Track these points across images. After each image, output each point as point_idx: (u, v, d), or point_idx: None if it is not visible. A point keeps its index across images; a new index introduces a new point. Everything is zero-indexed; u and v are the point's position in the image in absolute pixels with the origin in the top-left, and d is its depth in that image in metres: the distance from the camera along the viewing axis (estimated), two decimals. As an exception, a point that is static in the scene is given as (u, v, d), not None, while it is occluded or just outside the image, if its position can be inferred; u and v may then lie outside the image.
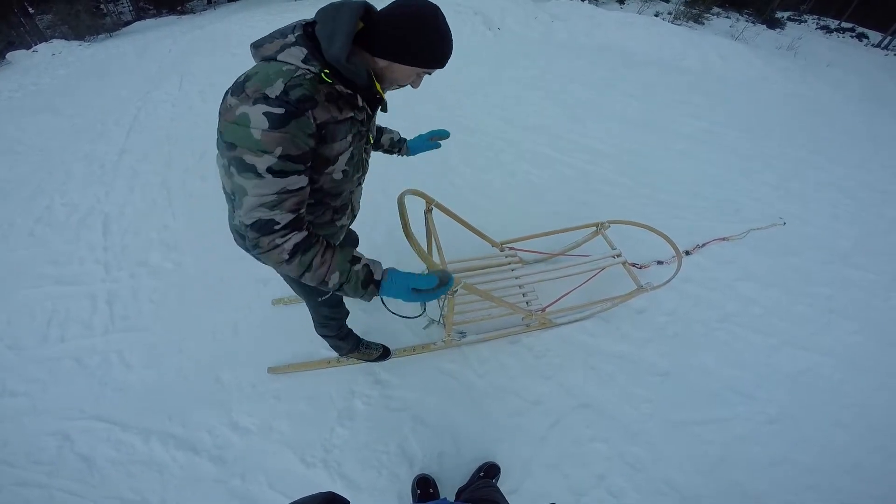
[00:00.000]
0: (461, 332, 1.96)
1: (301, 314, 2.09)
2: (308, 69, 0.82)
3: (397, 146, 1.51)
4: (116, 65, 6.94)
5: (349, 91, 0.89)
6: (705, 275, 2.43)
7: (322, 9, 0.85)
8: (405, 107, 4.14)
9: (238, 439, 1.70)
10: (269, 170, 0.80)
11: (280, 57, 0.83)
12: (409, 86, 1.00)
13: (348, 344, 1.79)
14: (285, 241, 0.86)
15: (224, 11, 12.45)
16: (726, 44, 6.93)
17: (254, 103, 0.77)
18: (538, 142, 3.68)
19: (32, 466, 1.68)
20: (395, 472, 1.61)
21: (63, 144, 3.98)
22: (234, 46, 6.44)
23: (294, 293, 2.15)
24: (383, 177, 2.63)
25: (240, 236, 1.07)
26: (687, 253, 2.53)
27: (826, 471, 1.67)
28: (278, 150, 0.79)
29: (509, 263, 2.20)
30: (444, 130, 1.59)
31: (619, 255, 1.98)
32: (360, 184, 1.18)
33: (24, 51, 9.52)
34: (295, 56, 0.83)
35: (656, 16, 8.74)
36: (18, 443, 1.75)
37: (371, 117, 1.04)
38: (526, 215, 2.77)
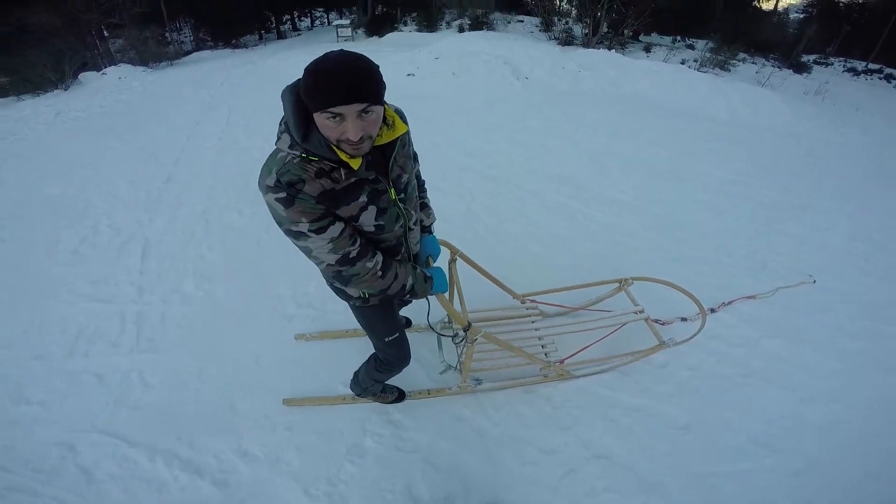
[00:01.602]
0: (477, 379, 1.96)
1: (321, 350, 2.17)
2: (294, 154, 0.95)
3: (425, 231, 1.55)
4: (173, 93, 7.54)
5: (333, 164, 0.97)
6: (731, 331, 2.37)
7: (281, 95, 0.95)
8: (433, 152, 4.30)
9: (244, 466, 1.70)
10: (311, 230, 0.98)
11: (278, 144, 0.98)
12: (348, 138, 0.94)
13: (377, 388, 1.81)
14: (375, 265, 1.11)
15: (273, 48, 13.46)
16: (753, 90, 6.96)
17: (266, 193, 0.95)
18: (563, 192, 3.74)
19: (29, 473, 1.70)
20: (400, 514, 1.57)
21: (117, 167, 4.30)
22: (280, 83, 6.91)
23: (320, 332, 2.27)
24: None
25: (334, 289, 1.35)
26: (712, 310, 2.48)
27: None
28: (304, 218, 0.97)
29: (529, 316, 2.22)
30: (437, 252, 1.56)
31: (641, 311, 1.96)
32: (409, 229, 1.24)
33: (94, 72, 10.47)
34: (284, 143, 0.96)
35: (682, 63, 8.89)
36: (22, 449, 1.79)
37: (388, 174, 1.09)
38: (548, 267, 2.78)
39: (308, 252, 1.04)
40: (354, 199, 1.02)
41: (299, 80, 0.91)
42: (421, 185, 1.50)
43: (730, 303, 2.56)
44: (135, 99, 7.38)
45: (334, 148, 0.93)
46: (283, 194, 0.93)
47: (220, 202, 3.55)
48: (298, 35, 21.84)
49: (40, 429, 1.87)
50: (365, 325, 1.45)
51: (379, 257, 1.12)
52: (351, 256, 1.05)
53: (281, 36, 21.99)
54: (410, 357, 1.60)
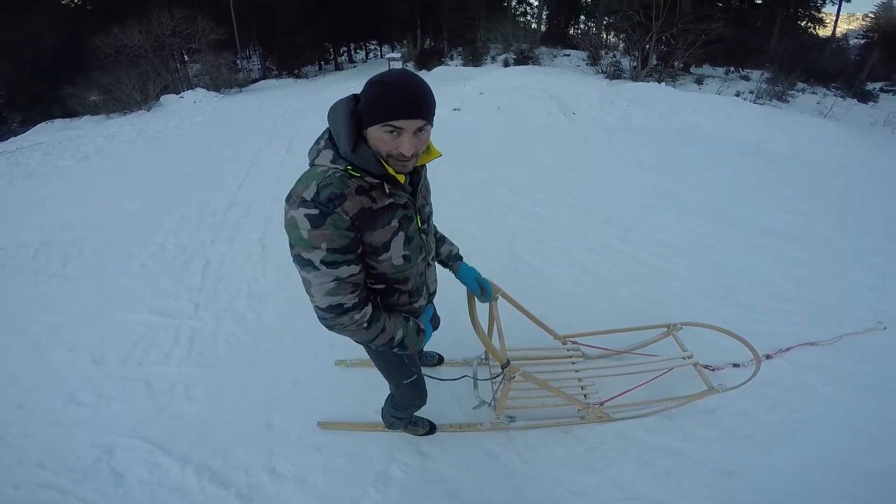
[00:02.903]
0: (511, 417, 1.92)
1: (360, 377, 2.20)
2: (336, 168, 0.95)
3: (453, 260, 1.53)
4: (241, 119, 8.18)
5: (377, 181, 0.97)
6: (787, 378, 2.21)
7: (329, 110, 0.99)
8: (477, 189, 4.36)
9: (271, 483, 1.73)
10: (322, 262, 0.95)
11: (316, 161, 0.98)
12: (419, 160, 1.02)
13: (402, 424, 1.83)
14: (363, 317, 1.05)
15: (331, 79, 14.42)
16: (814, 122, 6.57)
17: (297, 207, 0.91)
18: (609, 234, 3.64)
19: (63, 472, 1.79)
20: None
21: (187, 188, 4.69)
22: (337, 113, 7.36)
23: (359, 359, 2.29)
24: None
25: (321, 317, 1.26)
26: (767, 356, 2.31)
27: None
28: (324, 245, 0.93)
29: (570, 357, 2.16)
30: (489, 289, 1.56)
31: (690, 357, 1.88)
32: (428, 265, 1.26)
33: (174, 95, 11.62)
34: (326, 158, 0.96)
35: (737, 95, 8.58)
36: (62, 448, 1.89)
37: (414, 200, 1.10)
38: (592, 311, 2.69)
39: (307, 285, 1.00)
40: (388, 223, 1.01)
41: (352, 95, 0.97)
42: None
43: (787, 349, 2.39)
44: (207, 123, 8.07)
45: (382, 162, 0.94)
46: (315, 211, 0.90)
47: (277, 228, 3.73)
48: (354, 66, 23.24)
49: (83, 430, 1.98)
50: (380, 366, 1.42)
51: (368, 309, 1.06)
52: (345, 307, 1.02)
53: (338, 67, 23.51)
54: (426, 398, 1.60)
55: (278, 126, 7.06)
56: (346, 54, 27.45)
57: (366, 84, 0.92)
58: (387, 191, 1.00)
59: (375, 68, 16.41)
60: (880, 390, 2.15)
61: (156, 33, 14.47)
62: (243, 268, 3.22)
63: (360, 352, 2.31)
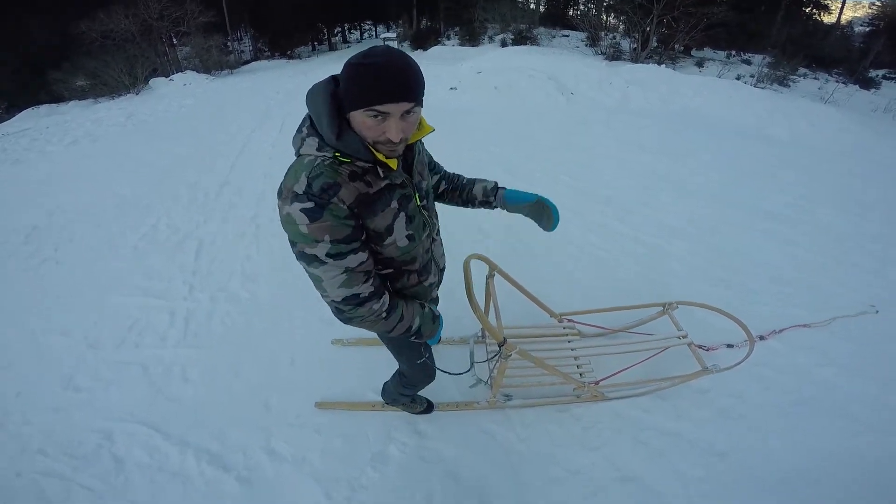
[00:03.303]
0: (507, 395, 1.93)
1: (357, 356, 2.20)
2: (324, 155, 0.88)
3: (492, 195, 1.39)
4: (232, 101, 8.03)
5: (369, 164, 0.92)
6: (781, 360, 2.23)
7: (307, 96, 0.91)
8: (475, 168, 4.29)
9: (269, 464, 1.74)
10: (328, 255, 0.90)
11: (301, 150, 0.91)
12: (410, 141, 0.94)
13: (405, 400, 1.82)
14: (381, 307, 1.02)
15: (325, 59, 14.13)
16: (815, 108, 6.55)
17: (291, 202, 0.86)
18: (607, 214, 3.63)
19: (64, 458, 1.78)
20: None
21: (178, 170, 4.62)
22: (331, 93, 7.24)
23: (356, 338, 2.29)
24: (450, 239, 2.71)
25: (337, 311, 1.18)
26: (761, 338, 2.34)
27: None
28: (327, 237, 0.88)
29: (566, 335, 2.17)
30: (553, 208, 1.35)
31: (685, 336, 1.89)
32: (434, 239, 1.22)
33: (163, 78, 11.37)
34: (311, 146, 0.89)
35: (738, 79, 8.49)
36: (62, 434, 1.88)
37: (410, 177, 1.05)
38: (589, 289, 2.69)
39: (318, 282, 0.95)
40: (387, 206, 0.96)
41: (330, 77, 0.88)
42: (453, 176, 1.42)
43: (781, 331, 2.41)
44: (197, 105, 7.91)
45: (370, 148, 0.89)
46: (310, 204, 0.85)
47: (270, 207, 3.71)
48: (348, 47, 22.76)
49: (82, 415, 1.97)
50: (394, 349, 1.40)
51: (386, 298, 1.03)
52: (361, 297, 0.97)
53: (332, 47, 23.03)
54: (435, 375, 1.60)
55: (270, 107, 6.94)
56: (339, 34, 26.84)
57: (345, 65, 0.83)
58: (381, 174, 0.94)
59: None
60: (872, 374, 2.17)
61: (143, 17, 14.11)
62: (237, 247, 3.19)
63: (356, 331, 2.32)
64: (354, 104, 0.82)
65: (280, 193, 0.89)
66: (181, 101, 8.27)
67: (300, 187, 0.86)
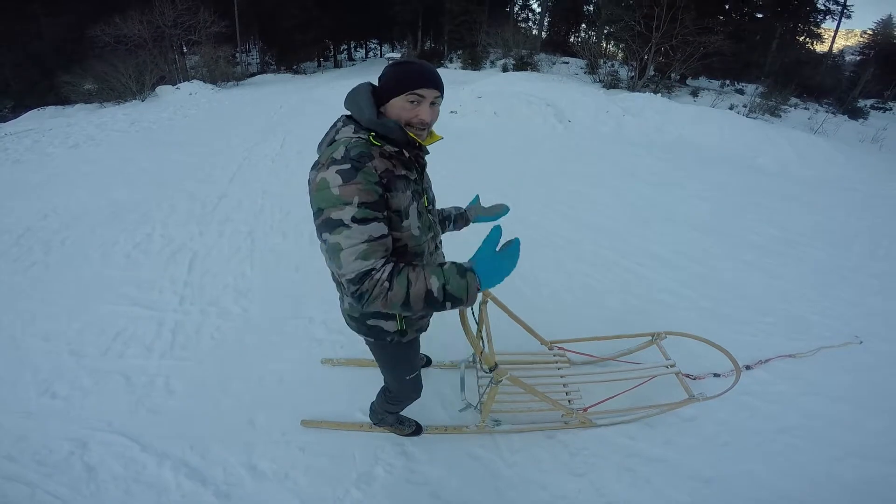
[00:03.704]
0: (497, 420, 1.92)
1: (346, 376, 2.19)
2: (360, 137, 1.05)
3: (463, 217, 1.65)
4: (236, 113, 8.12)
5: (396, 149, 1.08)
6: (766, 388, 2.26)
7: (347, 96, 1.12)
8: (471, 194, 4.35)
9: (250, 480, 1.71)
10: (354, 219, 0.95)
11: (338, 137, 1.08)
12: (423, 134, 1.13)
13: (392, 419, 1.83)
14: (382, 273, 0.97)
15: (330, 76, 14.36)
16: (804, 138, 6.71)
17: (327, 168, 0.98)
18: (599, 243, 3.67)
19: (32, 465, 1.73)
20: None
21: (177, 179, 4.63)
22: (334, 112, 7.32)
23: (347, 358, 2.29)
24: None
25: (351, 319, 1.32)
26: (747, 367, 2.36)
27: None
28: (356, 199, 0.95)
29: (556, 362, 2.20)
30: (503, 206, 1.69)
31: (672, 366, 1.92)
32: (437, 247, 1.32)
33: (170, 86, 11.49)
34: (347, 131, 1.07)
35: (731, 108, 8.70)
36: (34, 441, 1.83)
37: (421, 178, 1.21)
38: (579, 317, 2.72)
39: (335, 253, 0.96)
40: (405, 191, 1.08)
41: (367, 83, 1.12)
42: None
43: (767, 361, 2.44)
44: (201, 115, 7.99)
45: (403, 128, 1.07)
46: (347, 165, 0.97)
47: (267, 223, 3.72)
48: (353, 65, 23.18)
49: (56, 422, 1.93)
50: (387, 362, 1.43)
51: (388, 266, 0.98)
52: (372, 273, 0.96)
53: (337, 64, 23.45)
54: (421, 391, 1.61)
55: (273, 122, 7.02)
56: (345, 52, 27.41)
57: (386, 67, 1.09)
58: (405, 157, 1.10)
59: (374, 67, 16.41)
60: (855, 402, 2.20)
61: (157, 23, 14.32)
62: (231, 262, 3.19)
63: (346, 350, 2.32)
64: (397, 90, 1.05)
65: (316, 165, 1.03)
66: (186, 110, 8.36)
67: (339, 154, 0.99)
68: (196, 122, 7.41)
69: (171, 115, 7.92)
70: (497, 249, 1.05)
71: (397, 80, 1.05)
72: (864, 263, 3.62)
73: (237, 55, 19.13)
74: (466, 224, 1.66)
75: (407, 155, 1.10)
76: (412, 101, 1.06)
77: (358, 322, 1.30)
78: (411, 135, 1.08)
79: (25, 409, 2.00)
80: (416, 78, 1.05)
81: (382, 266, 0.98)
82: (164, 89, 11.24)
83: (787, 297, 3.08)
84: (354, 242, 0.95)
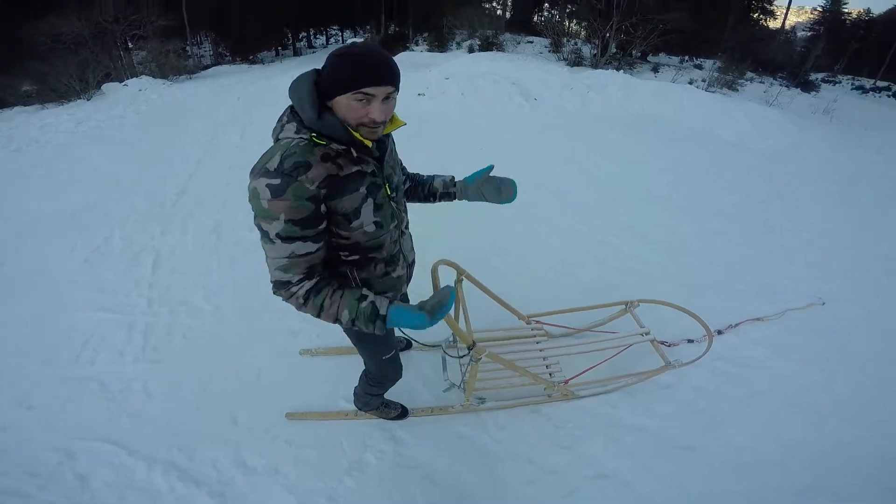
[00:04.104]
0: (481, 398, 1.96)
1: (325, 366, 2.17)
2: (301, 137, 0.96)
3: (452, 186, 1.46)
4: (191, 107, 7.74)
5: (343, 147, 0.98)
6: (737, 353, 2.36)
7: (290, 84, 0.99)
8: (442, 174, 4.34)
9: (242, 478, 1.70)
10: (278, 235, 0.95)
11: (280, 136, 0.99)
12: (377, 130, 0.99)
13: (377, 403, 1.82)
14: (299, 289, 1.03)
15: (289, 65, 13.84)
16: (761, 111, 6.97)
17: (258, 176, 0.92)
18: (569, 216, 3.74)
19: (25, 477, 1.70)
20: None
21: (133, 179, 4.40)
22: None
23: (325, 347, 2.26)
24: (417, 243, 2.72)
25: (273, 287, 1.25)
26: (719, 332, 2.47)
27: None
28: (283, 216, 0.92)
29: (535, 336, 2.22)
30: (510, 184, 1.44)
31: (647, 333, 1.98)
32: (402, 232, 1.26)
33: (117, 83, 10.80)
34: (290, 130, 0.97)
35: (690, 83, 8.93)
36: (18, 453, 1.79)
37: (381, 168, 1.10)
38: (554, 290, 2.77)
39: (265, 255, 1.02)
40: (356, 190, 1.01)
41: (311, 70, 0.98)
42: (414, 174, 1.49)
43: (737, 325, 2.55)
44: (153, 111, 7.58)
45: (350, 129, 0.96)
46: (277, 181, 0.90)
47: (232, 217, 3.60)
48: (314, 52, 22.40)
49: (39, 433, 1.88)
50: (360, 344, 1.41)
51: (307, 284, 1.03)
52: (290, 284, 1.02)
53: (297, 53, 22.59)
54: (402, 371, 1.61)
55: (231, 113, 6.74)
56: (305, 40, 26.40)
57: (329, 56, 0.94)
58: (354, 156, 1.00)
59: (337, 54, 15.84)
60: (822, 365, 2.32)
61: (97, 20, 13.39)
62: (197, 259, 3.08)
63: (324, 340, 2.30)
64: (342, 88, 0.91)
65: (252, 171, 0.95)
66: (137, 106, 7.91)
67: (272, 164, 0.92)
68: (149, 119, 7.03)
69: (121, 112, 7.47)
70: None
71: (342, 76, 0.90)
72: (823, 227, 3.82)
73: (188, 48, 18.14)
74: (452, 199, 1.48)
75: (355, 154, 1.00)
76: (360, 100, 0.91)
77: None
78: (358, 136, 0.97)
79: (2, 421, 1.94)
80: (363, 74, 0.89)
81: (300, 282, 1.02)
82: (111, 87, 10.55)
83: (753, 263, 3.22)
84: (277, 256, 0.98)
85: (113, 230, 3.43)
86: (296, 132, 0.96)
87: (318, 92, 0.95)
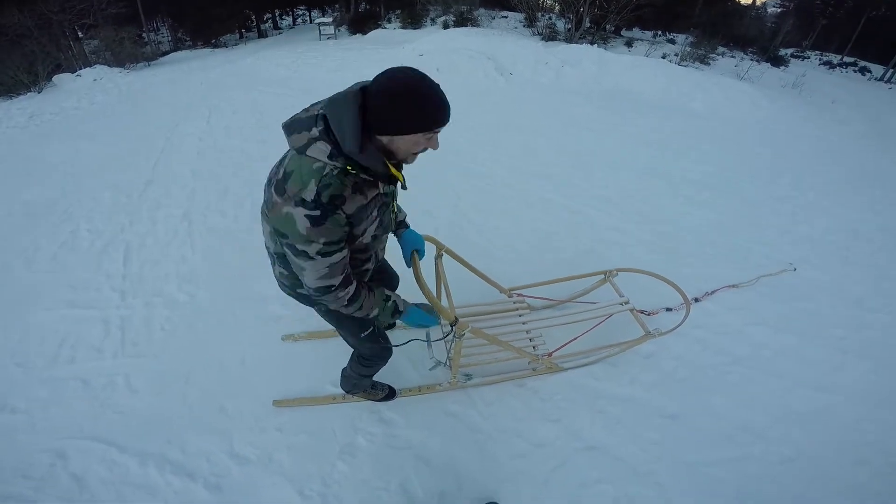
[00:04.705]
0: (467, 375, 1.97)
1: (309, 351, 2.16)
2: (335, 165, 0.93)
3: (399, 227, 1.53)
4: (151, 95, 7.36)
5: (371, 178, 1.00)
6: (715, 320, 2.43)
7: (329, 103, 0.94)
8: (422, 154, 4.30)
9: (236, 468, 1.70)
10: (319, 253, 0.99)
11: (309, 152, 0.94)
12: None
13: (366, 384, 1.82)
14: (346, 295, 1.12)
15: (254, 47, 13.22)
16: (732, 84, 7.10)
17: (295, 206, 0.92)
18: (546, 189, 3.77)
19: (20, 481, 1.67)
20: (395, 511, 1.58)
21: (94, 171, 4.19)
22: (261, 84, 6.84)
23: (307, 332, 2.25)
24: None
25: (283, 286, 1.32)
26: (696, 300, 2.53)
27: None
28: (322, 240, 0.97)
29: (517, 309, 2.23)
30: (422, 245, 1.55)
31: (626, 303, 2.01)
32: (384, 249, 1.39)
33: (69, 74, 10.16)
34: (321, 151, 0.93)
35: (663, 58, 8.98)
36: (9, 458, 1.75)
37: (395, 189, 1.19)
38: (534, 262, 2.80)
39: (299, 269, 1.05)
40: (369, 216, 1.06)
41: (356, 92, 0.93)
42: None
43: (713, 292, 2.61)
44: (111, 101, 7.19)
45: (387, 162, 1.00)
46: (317, 212, 0.92)
47: (202, 204, 3.50)
48: (280, 33, 21.48)
49: (26, 437, 1.84)
50: (337, 324, 1.43)
51: (351, 288, 1.13)
52: (333, 287, 1.08)
53: (262, 35, 21.63)
54: (392, 348, 1.61)
55: (194, 100, 6.43)
56: (270, 20, 25.27)
57: (386, 94, 0.90)
58: (380, 187, 1.06)
59: (303, 34, 15.26)
60: (794, 329, 2.41)
61: (40, 11, 12.47)
62: (169, 249, 2.99)
63: (306, 325, 2.28)
64: (413, 130, 0.93)
65: (280, 192, 0.95)
66: (92, 97, 7.46)
67: (309, 194, 0.91)
68: (107, 109, 6.65)
69: (76, 103, 7.04)
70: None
71: (414, 118, 0.91)
72: (790, 195, 3.96)
73: (144, 35, 17.15)
74: (395, 235, 1.53)
75: (381, 188, 1.07)
76: (429, 138, 0.97)
77: (289, 289, 1.33)
78: (394, 171, 1.03)
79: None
80: (437, 116, 0.93)
81: (342, 285, 1.09)
82: (62, 78, 9.90)
83: (725, 228, 3.32)
84: (318, 268, 1.02)
85: (79, 224, 3.28)
86: (328, 157, 0.93)
87: (363, 119, 0.92)
